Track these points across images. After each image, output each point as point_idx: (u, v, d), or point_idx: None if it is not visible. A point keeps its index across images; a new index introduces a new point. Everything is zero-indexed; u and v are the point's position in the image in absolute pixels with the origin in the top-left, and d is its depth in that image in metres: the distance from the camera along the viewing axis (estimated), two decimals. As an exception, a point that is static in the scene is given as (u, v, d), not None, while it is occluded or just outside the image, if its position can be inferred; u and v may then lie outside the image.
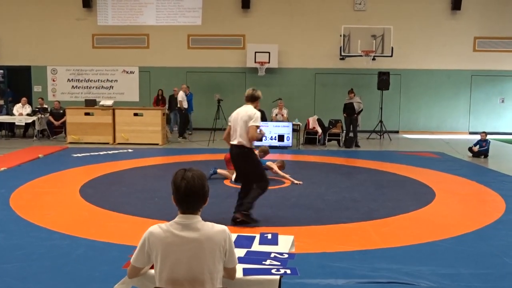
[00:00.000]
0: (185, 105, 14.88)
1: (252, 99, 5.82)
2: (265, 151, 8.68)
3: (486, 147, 11.56)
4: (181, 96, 14.98)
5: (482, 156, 11.49)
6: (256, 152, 8.45)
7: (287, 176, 8.34)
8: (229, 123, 5.85)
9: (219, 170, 8.61)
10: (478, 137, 12.07)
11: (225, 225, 2.51)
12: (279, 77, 17.85)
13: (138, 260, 2.49)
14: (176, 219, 2.44)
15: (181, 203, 2.43)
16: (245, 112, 5.67)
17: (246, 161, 5.76)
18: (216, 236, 2.40)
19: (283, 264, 2.78)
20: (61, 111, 14.64)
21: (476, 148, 11.57)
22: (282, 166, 8.61)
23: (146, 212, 6.17)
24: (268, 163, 8.56)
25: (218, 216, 5.46)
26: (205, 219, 2.47)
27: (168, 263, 2.38)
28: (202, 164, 9.92)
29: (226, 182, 8.21)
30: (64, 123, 14.18)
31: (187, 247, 2.37)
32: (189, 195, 2.39)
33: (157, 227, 2.44)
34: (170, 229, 2.41)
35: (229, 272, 2.53)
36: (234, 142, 5.71)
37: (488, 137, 11.81)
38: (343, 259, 4.51)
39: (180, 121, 15.21)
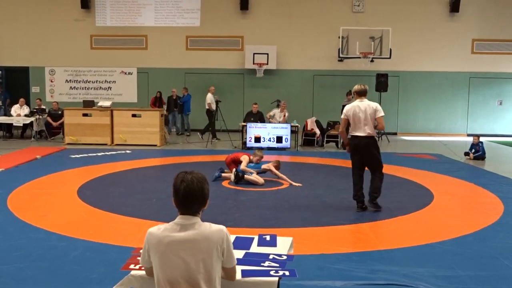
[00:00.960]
0: (214, 107, 14.80)
1: (365, 93, 6.59)
2: (261, 156, 8.71)
3: (480, 151, 11.57)
4: (209, 98, 14.99)
5: (481, 159, 11.51)
6: (252, 157, 8.49)
7: (285, 177, 8.33)
8: (344, 117, 6.55)
9: (223, 174, 8.60)
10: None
11: (225, 225, 2.51)
12: (277, 79, 17.86)
13: (143, 260, 2.55)
14: (175, 220, 2.46)
15: (180, 205, 2.45)
16: (369, 106, 6.42)
17: (376, 148, 6.50)
18: (213, 236, 2.41)
19: (281, 266, 2.78)
20: (59, 112, 14.63)
21: (472, 155, 11.59)
22: (277, 166, 8.57)
23: (144, 213, 6.16)
24: (264, 165, 8.53)
25: (218, 217, 5.46)
26: (204, 220, 2.48)
27: (166, 263, 2.39)
28: (200, 165, 9.92)
29: (225, 184, 8.19)
30: (62, 124, 14.16)
31: (184, 246, 2.38)
32: (188, 197, 2.41)
33: (156, 228, 2.48)
34: (168, 229, 2.43)
35: (229, 273, 2.53)
36: (362, 133, 6.37)
37: (486, 139, 11.83)
38: (342, 260, 4.51)
39: (208, 122, 15.10)
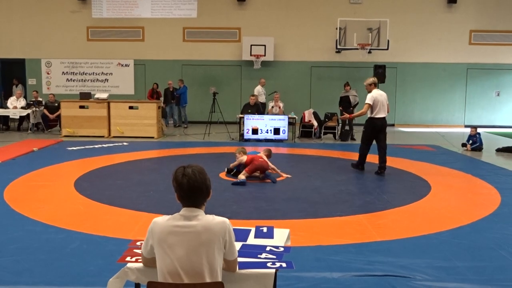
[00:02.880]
0: (262, 99, 14.49)
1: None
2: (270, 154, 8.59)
3: (478, 143, 11.59)
4: (257, 91, 14.77)
5: (478, 150, 11.53)
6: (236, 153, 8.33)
7: (274, 167, 8.12)
8: (371, 103, 8.32)
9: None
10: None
11: (225, 217, 2.52)
12: (274, 70, 17.81)
13: (145, 250, 2.55)
14: (180, 211, 2.48)
15: (185, 200, 2.47)
16: (384, 93, 8.50)
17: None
18: (216, 227, 2.42)
19: (278, 258, 2.77)
20: (56, 104, 14.57)
21: (469, 147, 11.60)
22: (268, 155, 8.47)
23: (141, 205, 6.15)
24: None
25: (215, 209, 5.43)
26: (205, 212, 2.51)
27: (168, 254, 2.40)
28: (198, 158, 9.91)
29: (222, 176, 8.18)
30: (59, 116, 14.11)
31: (186, 237, 2.39)
32: (193, 190, 2.43)
33: (161, 218, 2.50)
34: (171, 220, 2.45)
35: (230, 265, 2.55)
36: (384, 115, 8.42)
37: (484, 130, 11.84)
38: (339, 252, 4.51)
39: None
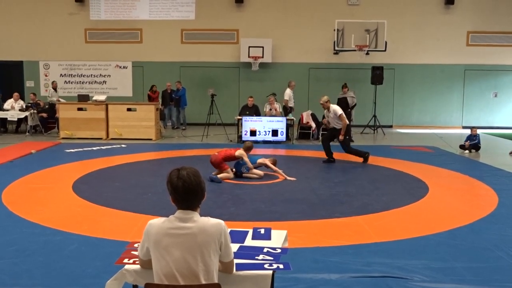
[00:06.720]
0: (291, 104, 14.30)
1: None
2: (251, 146, 8.53)
3: (476, 140, 11.59)
4: (287, 94, 14.45)
5: (473, 150, 11.52)
6: (245, 150, 8.38)
7: (280, 171, 8.26)
8: (342, 112, 9.81)
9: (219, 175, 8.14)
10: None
11: (223, 219, 2.53)
12: (272, 72, 17.82)
13: (142, 253, 2.56)
14: (175, 214, 2.48)
15: (180, 202, 2.47)
16: None
17: None
18: (211, 229, 2.43)
19: (276, 259, 2.78)
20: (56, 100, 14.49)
21: (468, 144, 11.60)
22: (274, 164, 8.51)
23: (140, 207, 6.15)
24: (259, 160, 8.45)
25: (213, 211, 5.45)
26: (200, 214, 2.51)
27: (164, 256, 2.40)
28: (196, 160, 9.91)
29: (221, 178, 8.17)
30: (57, 118, 14.08)
31: (181, 239, 2.39)
32: (188, 193, 2.43)
33: (156, 220, 2.50)
34: (167, 222, 2.45)
35: (226, 266, 2.55)
36: None
37: (481, 131, 11.84)
38: (337, 253, 4.52)
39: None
